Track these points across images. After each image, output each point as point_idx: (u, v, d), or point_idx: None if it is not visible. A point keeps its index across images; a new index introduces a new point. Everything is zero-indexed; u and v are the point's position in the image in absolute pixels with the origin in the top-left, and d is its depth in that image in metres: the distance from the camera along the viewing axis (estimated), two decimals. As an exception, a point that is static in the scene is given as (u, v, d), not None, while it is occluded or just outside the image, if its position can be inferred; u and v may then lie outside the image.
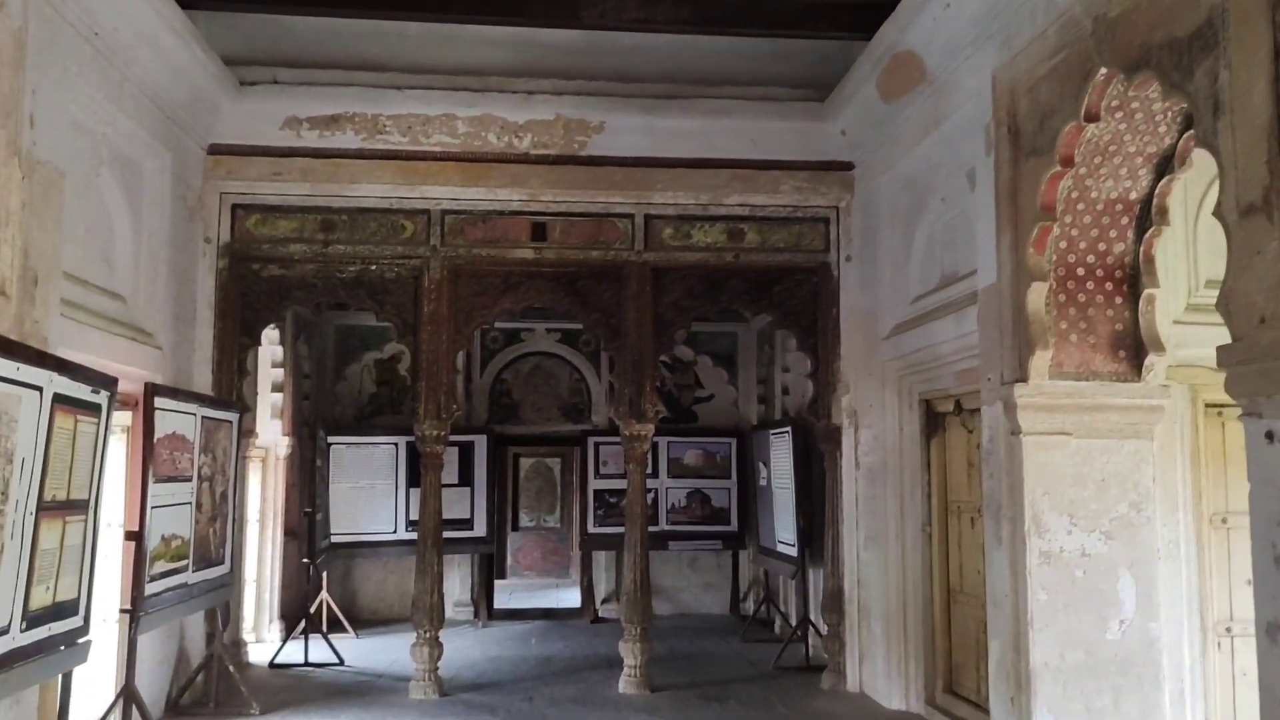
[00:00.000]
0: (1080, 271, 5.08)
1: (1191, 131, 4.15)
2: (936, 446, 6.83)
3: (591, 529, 10.98)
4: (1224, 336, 3.46)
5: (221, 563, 6.68)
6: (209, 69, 6.67)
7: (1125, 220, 5.01)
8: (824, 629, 7.86)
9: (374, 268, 7.46)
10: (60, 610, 4.35)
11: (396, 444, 10.51)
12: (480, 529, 10.64)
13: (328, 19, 6.99)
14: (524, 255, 7.56)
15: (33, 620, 4.07)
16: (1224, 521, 5.12)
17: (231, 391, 7.24)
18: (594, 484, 11.03)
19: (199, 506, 6.23)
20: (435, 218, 7.48)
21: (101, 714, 5.49)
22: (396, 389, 11.19)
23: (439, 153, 7.41)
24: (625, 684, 7.38)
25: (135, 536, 5.39)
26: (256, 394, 8.68)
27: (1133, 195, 4.97)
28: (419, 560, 7.38)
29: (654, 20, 6.63)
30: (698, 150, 7.58)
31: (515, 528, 15.42)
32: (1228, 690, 5.09)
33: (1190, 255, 5.22)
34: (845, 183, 7.71)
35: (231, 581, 6.91)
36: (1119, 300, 5.10)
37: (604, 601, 11.18)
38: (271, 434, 9.60)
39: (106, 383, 4.68)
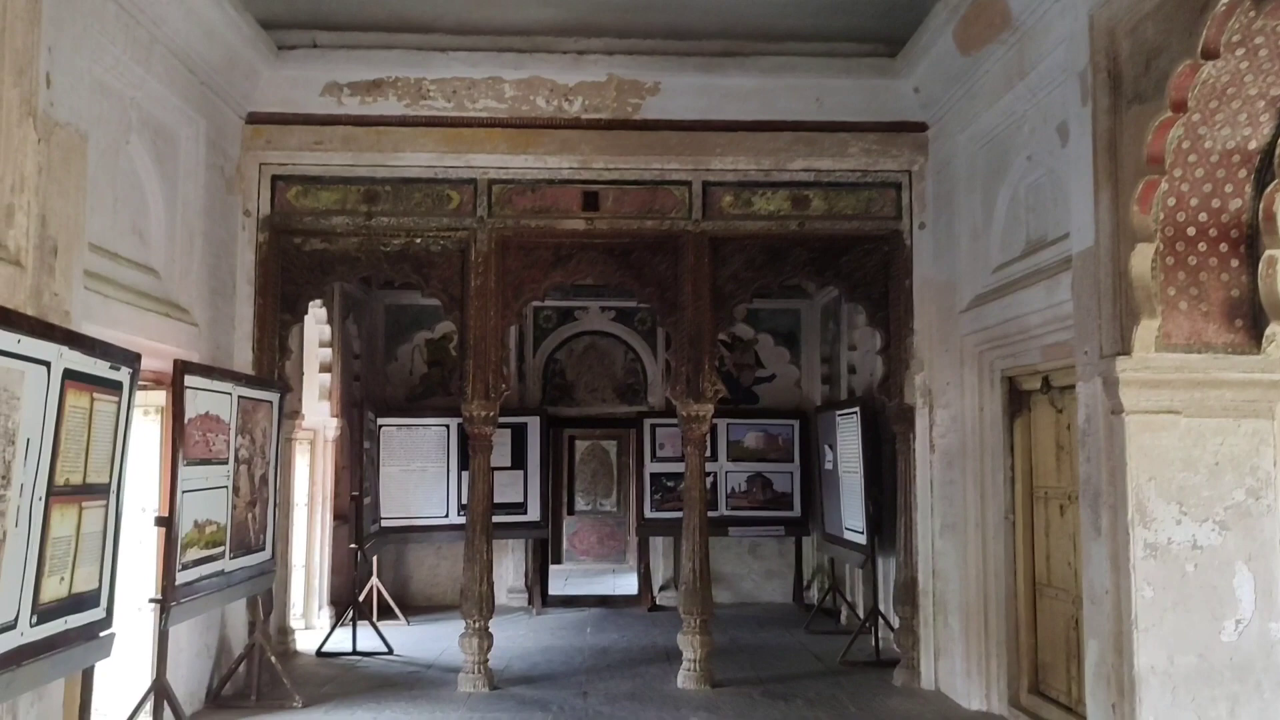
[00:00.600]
0: (1191, 231, 4.55)
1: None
2: (1021, 427, 6.30)
3: (649, 514, 10.59)
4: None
5: (262, 549, 6.39)
6: (244, 31, 6.36)
7: (1243, 173, 4.48)
8: (895, 622, 7.39)
9: (419, 240, 7.11)
10: (78, 602, 4.06)
11: (448, 425, 10.21)
12: (534, 513, 10.32)
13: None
14: (575, 226, 7.15)
15: (45, 614, 3.77)
16: (1357, 510, 4.56)
17: (272, 370, 6.96)
18: (650, 467, 10.65)
19: (236, 490, 5.94)
20: (482, 187, 7.11)
21: (131, 710, 5.22)
22: (448, 369, 10.88)
23: (485, 118, 7.03)
24: (684, 679, 6.99)
25: (165, 522, 5.10)
26: (302, 374, 8.40)
27: (1251, 145, 4.43)
28: (467, 547, 7.04)
29: (712, -30, 6.18)
30: (759, 112, 7.11)
31: (571, 512, 15.11)
32: (1361, 700, 4.54)
33: (1318, 211, 4.65)
34: (918, 144, 7.18)
35: (273, 569, 6.63)
36: (1235, 263, 4.56)
37: (661, 589, 10.80)
38: (319, 415, 9.35)
39: (127, 358, 4.37)
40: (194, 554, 5.37)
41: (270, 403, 6.50)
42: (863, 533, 7.98)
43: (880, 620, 7.88)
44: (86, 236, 4.98)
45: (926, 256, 7.13)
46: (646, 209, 7.18)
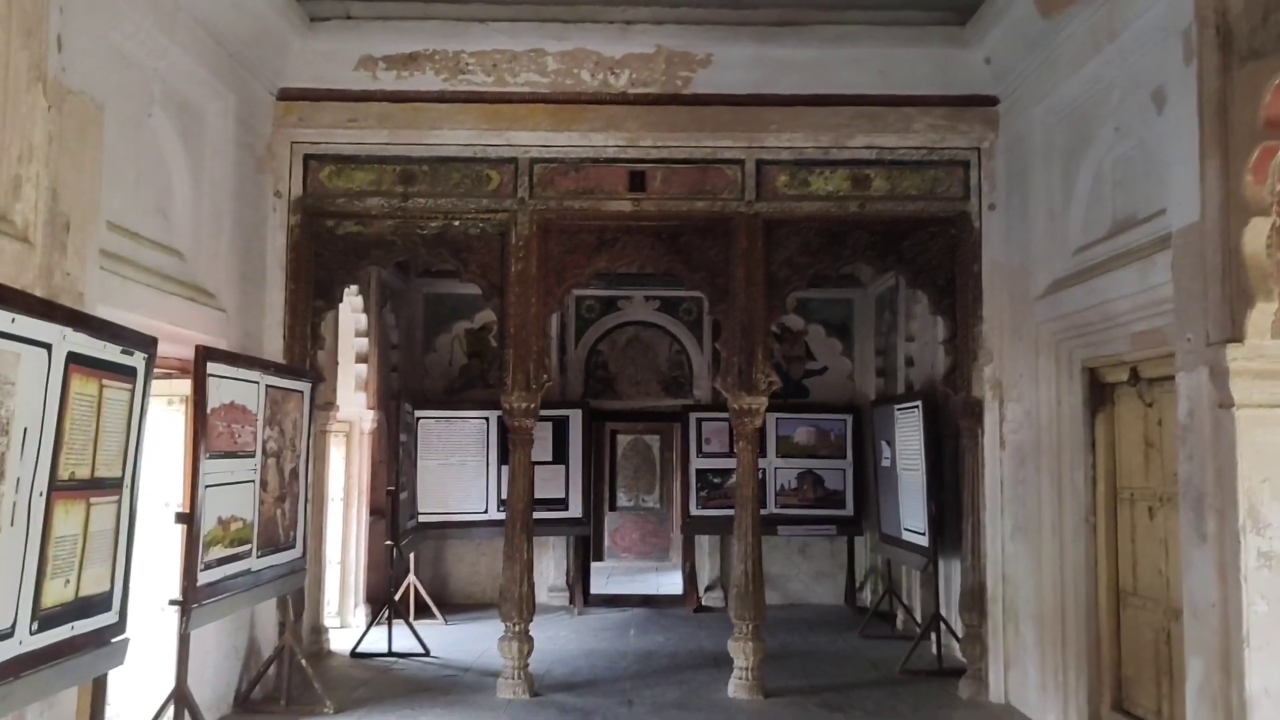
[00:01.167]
0: (1313, 203, 4.06)
1: None
2: (1103, 422, 5.81)
3: (694, 511, 10.20)
4: None
5: (292, 546, 6.08)
6: (274, 0, 6.03)
7: (1374, 138, 3.98)
8: (959, 629, 6.94)
9: (457, 223, 6.76)
10: (86, 606, 3.74)
11: (487, 418, 9.88)
12: (575, 509, 9.96)
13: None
14: (620, 208, 6.76)
15: (48, 620, 3.45)
16: None
17: (304, 359, 6.64)
18: (696, 463, 10.25)
19: (264, 485, 5.62)
20: (523, 167, 6.74)
21: (150, 717, 4.92)
22: (488, 360, 10.55)
23: (526, 94, 6.66)
24: (735, 688, 6.59)
25: (186, 519, 4.79)
26: (337, 364, 8.10)
27: (1385, 105, 3.93)
28: (507, 545, 6.69)
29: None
30: (817, 85, 6.66)
31: (613, 508, 14.75)
32: None
33: None
34: (988, 119, 6.70)
35: (304, 567, 6.31)
36: (1364, 239, 4.07)
37: (707, 589, 10.40)
38: (355, 407, 9.05)
39: (141, 342, 4.05)
40: (217, 552, 5.06)
41: (301, 393, 6.18)
42: (924, 534, 7.52)
43: (942, 626, 7.41)
44: (104, 214, 4.67)
45: (997, 240, 6.66)
46: (696, 189, 6.77)
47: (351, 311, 8.97)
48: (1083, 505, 5.86)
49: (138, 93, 5.11)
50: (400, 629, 8.07)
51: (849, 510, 10.17)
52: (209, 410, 4.93)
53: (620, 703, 6.51)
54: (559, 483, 9.92)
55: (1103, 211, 5.55)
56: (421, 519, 9.51)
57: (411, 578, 9.32)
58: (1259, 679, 3.98)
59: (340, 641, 8.11)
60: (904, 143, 6.74)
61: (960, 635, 7.00)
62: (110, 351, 3.80)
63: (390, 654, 7.78)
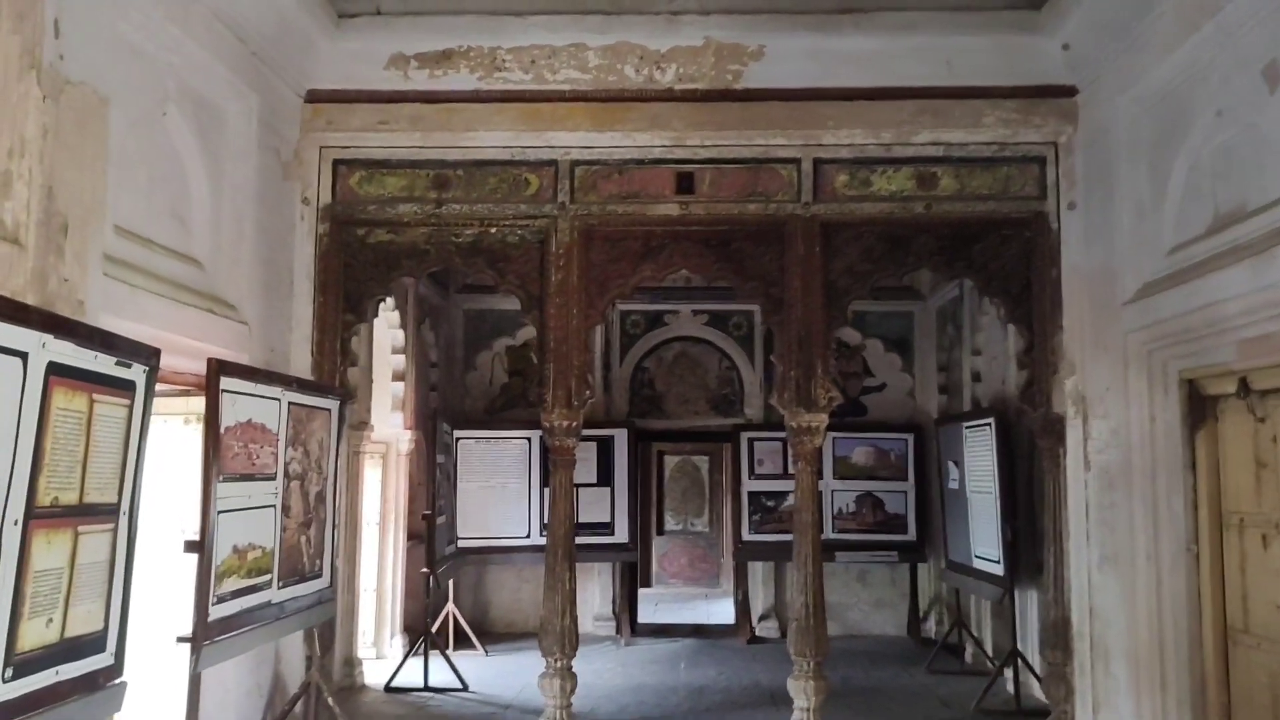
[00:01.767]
0: None
1: None
2: (1205, 440, 5.23)
3: (747, 536, 9.69)
4: None
5: (318, 576, 5.68)
6: (298, -6, 5.70)
7: None
8: (1039, 666, 6.36)
9: (494, 230, 6.35)
10: (74, 648, 3.35)
11: (529, 439, 9.48)
12: (621, 534, 9.51)
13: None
14: (667, 212, 6.32)
15: (25, 665, 3.05)
16: None
17: (334, 375, 6.26)
18: (749, 485, 9.76)
19: (286, 510, 5.23)
20: (563, 170, 6.33)
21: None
22: (530, 379, 10.14)
23: (567, 92, 6.25)
24: (795, 730, 6.07)
25: (197, 548, 4.40)
26: (371, 382, 7.72)
27: None
28: (548, 574, 6.24)
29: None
30: (878, 77, 6.18)
31: (660, 531, 14.25)
32: None
33: None
34: (1065, 112, 6.17)
35: (332, 597, 5.91)
36: None
37: (761, 618, 9.88)
38: (392, 427, 8.69)
39: (140, 352, 3.68)
40: (233, 584, 4.66)
41: (328, 411, 5.80)
42: (998, 561, 6.96)
43: (1020, 663, 6.83)
44: (110, 217, 4.34)
45: (1076, 242, 6.11)
46: (748, 192, 6.31)
47: (388, 328, 8.63)
48: (1182, 533, 5.26)
49: (150, 88, 4.77)
50: (438, 661, 7.64)
51: (911, 535, 9.61)
52: (223, 429, 4.54)
53: (670, 746, 6.03)
54: (604, 506, 9.49)
55: (1202, 206, 4.99)
56: (461, 544, 9.12)
57: (450, 606, 8.92)
58: None
59: (375, 674, 7.70)
60: (973, 138, 6.23)
61: (1041, 673, 6.43)
62: (102, 363, 3.42)
63: (426, 689, 7.37)
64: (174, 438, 5.27)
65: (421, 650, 7.60)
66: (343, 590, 6.95)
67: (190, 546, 4.41)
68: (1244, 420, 4.93)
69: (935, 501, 9.41)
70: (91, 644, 3.46)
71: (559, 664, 6.09)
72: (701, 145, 6.29)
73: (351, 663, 7.38)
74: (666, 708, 6.98)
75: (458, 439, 9.34)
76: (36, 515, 3.05)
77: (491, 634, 9.63)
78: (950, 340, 9.45)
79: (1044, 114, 6.18)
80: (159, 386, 5.15)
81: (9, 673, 2.98)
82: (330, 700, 5.78)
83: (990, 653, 8.07)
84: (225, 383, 4.55)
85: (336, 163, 6.37)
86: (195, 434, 5.29)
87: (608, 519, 9.51)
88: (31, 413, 3.00)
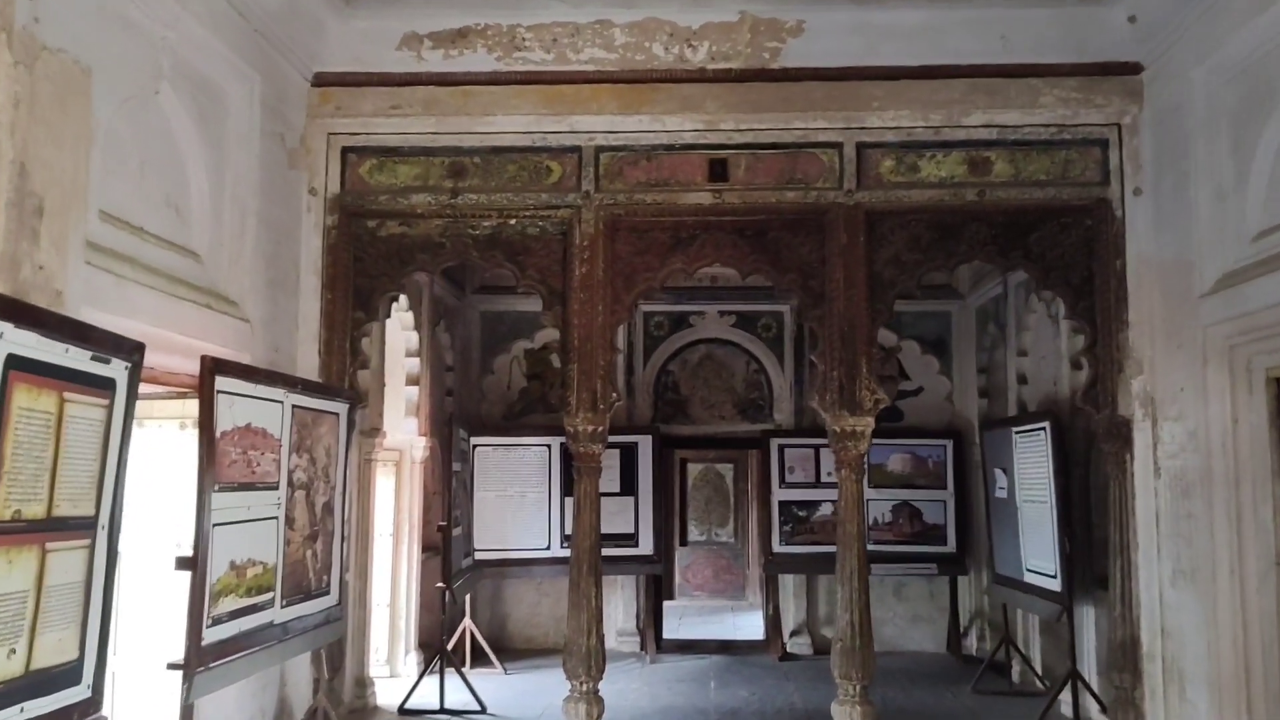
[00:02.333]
0: None
1: None
2: (1296, 444, 4.76)
3: (777, 548, 9.23)
4: None
5: (325, 593, 5.26)
6: (304, -31, 5.32)
7: None
8: (1101, 688, 5.89)
9: (513, 221, 5.94)
10: (43, 682, 2.95)
11: (549, 446, 9.05)
12: (646, 546, 9.06)
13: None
14: (699, 201, 5.89)
15: (-21, 703, 2.66)
16: None
17: (343, 377, 5.86)
18: (779, 494, 9.31)
19: (290, 522, 4.81)
20: (587, 156, 5.91)
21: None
22: (550, 383, 9.72)
23: (591, 73, 5.84)
24: (842, 760, 5.60)
25: (190, 564, 3.98)
26: (383, 386, 7.31)
27: None
28: (572, 590, 5.81)
29: None
30: (927, 54, 5.76)
31: (684, 542, 13.80)
32: None
33: None
34: (1130, 90, 5.73)
35: (341, 615, 5.49)
36: None
37: (793, 634, 9.39)
38: (406, 434, 8.28)
39: (120, 347, 3.28)
40: (230, 603, 4.24)
41: (336, 415, 5.38)
42: (1054, 576, 6.48)
43: (1080, 685, 6.35)
44: (95, 201, 3.96)
45: (1144, 230, 5.66)
46: (786, 178, 5.88)
47: (401, 329, 8.22)
48: (1271, 546, 4.78)
49: (141, 63, 4.37)
50: (454, 680, 7.21)
51: (951, 546, 9.14)
52: (219, 434, 4.13)
53: (706, 777, 5.58)
54: (628, 516, 9.04)
55: (1294, 186, 4.54)
56: (478, 556, 8.69)
57: (467, 621, 8.50)
58: None
59: (389, 694, 7.26)
60: (1029, 120, 5.79)
61: (1103, 697, 5.95)
62: (75, 357, 3.02)
63: (442, 710, 6.94)
64: (169, 444, 4.88)
65: (437, 669, 7.16)
66: (354, 606, 6.54)
67: (182, 563, 3.98)
68: (1344, 421, 4.46)
69: (978, 511, 8.95)
70: (64, 676, 3.06)
71: (585, 687, 5.66)
72: (736, 129, 5.87)
73: (363, 683, 6.93)
74: (698, 732, 6.55)
75: (474, 446, 8.92)
76: (-8, 531, 2.65)
77: (509, 650, 9.20)
78: (992, 340, 8.97)
79: (1107, 92, 5.74)
80: (151, 389, 4.78)
81: (-41, 714, 2.58)
82: (339, 727, 5.36)
83: (1040, 672, 7.58)
84: (221, 383, 4.14)
85: (345, 150, 5.97)
86: (192, 440, 4.88)
87: (631, 530, 9.07)
88: (-16, 412, 2.59)
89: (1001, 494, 7.49)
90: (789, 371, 9.70)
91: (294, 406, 4.83)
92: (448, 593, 7.31)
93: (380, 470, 7.74)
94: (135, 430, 4.89)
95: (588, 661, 5.66)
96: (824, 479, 9.22)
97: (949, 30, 5.72)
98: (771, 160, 5.89)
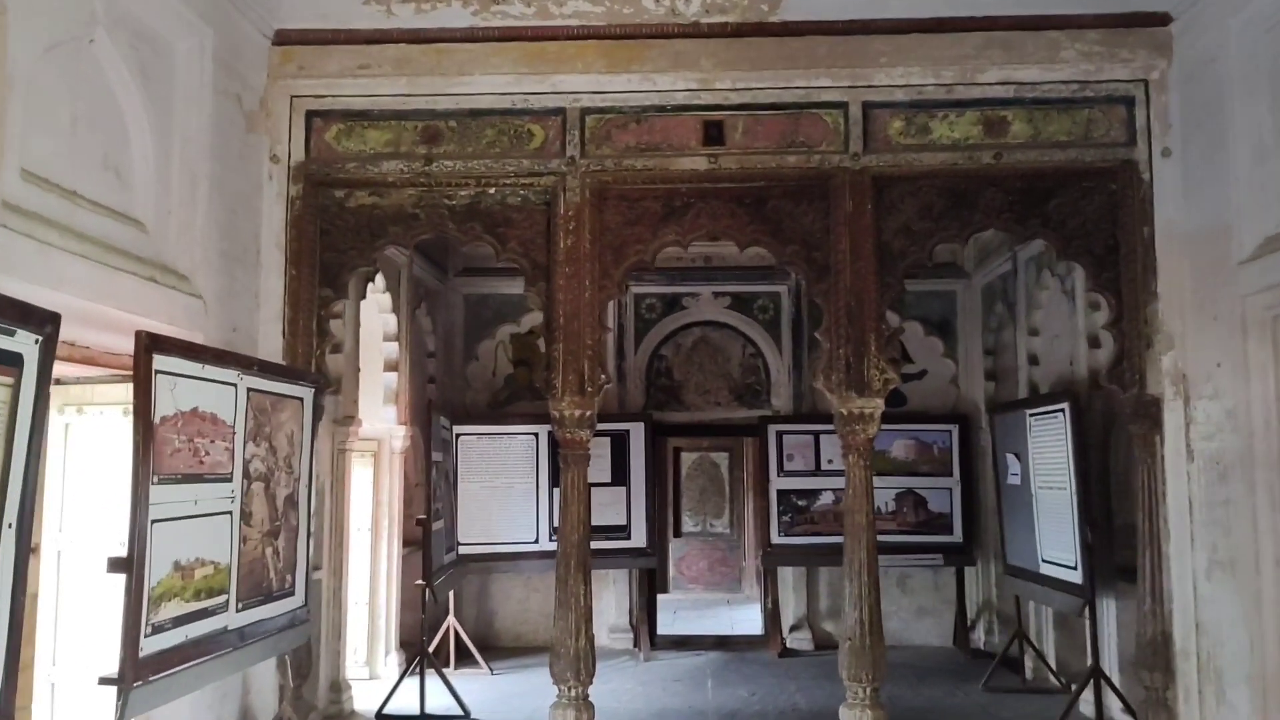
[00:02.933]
0: None
1: None
2: (1348, 423, 4.36)
3: (776, 539, 8.82)
4: None
5: (289, 593, 4.82)
6: (259, -89, 4.85)
7: None
8: (1124, 686, 5.49)
9: (492, 190, 5.50)
10: (-70, 706, 2.51)
11: (537, 434, 8.62)
12: (639, 538, 8.66)
13: None
14: (693, 166, 5.46)
15: None
16: None
17: (310, 359, 5.41)
18: (777, 483, 8.90)
19: (246, 518, 4.37)
20: (572, 119, 5.48)
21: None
22: (537, 369, 9.27)
23: (576, 28, 5.40)
24: (852, 768, 5.19)
25: (125, 566, 3.54)
26: (358, 370, 6.85)
27: None
28: (559, 588, 5.38)
29: None
30: (938, 5, 5.34)
31: (678, 534, 13.38)
32: None
33: None
34: (1158, 43, 5.31)
35: (307, 618, 5.05)
36: None
37: (793, 629, 8.99)
38: (384, 422, 7.84)
39: (30, 317, 2.82)
40: (174, 609, 3.80)
41: (300, 400, 4.94)
42: (1075, 567, 6.07)
43: (1104, 683, 5.94)
44: (14, 159, 3.53)
45: (1173, 194, 5.24)
46: (787, 142, 5.45)
47: (379, 312, 7.77)
48: (1321, 533, 4.40)
49: (70, 5, 3.91)
50: (436, 683, 6.79)
51: (957, 536, 8.76)
52: (158, 419, 3.68)
53: (705, 788, 5.17)
54: (619, 507, 8.63)
55: (1348, 138, 4.12)
56: (462, 550, 8.27)
57: (451, 620, 8.08)
58: None
59: (368, 698, 6.82)
60: (1049, 76, 5.37)
61: (1127, 696, 5.57)
62: (-34, 327, 2.57)
63: (423, 716, 6.51)
64: (113, 433, 4.43)
65: (417, 671, 6.73)
66: (328, 606, 6.12)
67: (115, 565, 3.54)
68: (1406, 397, 4.05)
69: (986, 499, 8.56)
70: (-41, 701, 2.61)
71: (574, 693, 5.24)
72: (732, 88, 5.45)
73: (339, 687, 6.49)
74: (696, 737, 6.14)
75: (458, 435, 8.49)
76: None
77: (497, 648, 8.79)
78: (999, 321, 8.56)
79: (1133, 46, 5.33)
80: (91, 372, 4.34)
81: None
82: (305, 739, 4.93)
83: (1054, 668, 7.19)
84: (160, 362, 3.69)
85: (310, 114, 5.52)
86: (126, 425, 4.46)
87: (623, 521, 8.66)
88: None
89: (1014, 480, 7.08)
90: (787, 355, 9.27)
91: (250, 390, 4.39)
92: (428, 590, 6.87)
93: (357, 460, 7.31)
94: (75, 418, 4.51)
95: (577, 665, 5.24)
96: (824, 467, 8.82)
97: (963, -22, 5.29)
98: (771, 122, 5.46)
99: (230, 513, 4.25)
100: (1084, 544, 5.93)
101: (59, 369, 3.22)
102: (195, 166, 4.80)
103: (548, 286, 5.45)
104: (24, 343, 2.81)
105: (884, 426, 8.24)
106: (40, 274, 3.58)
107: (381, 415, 7.81)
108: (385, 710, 6.56)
